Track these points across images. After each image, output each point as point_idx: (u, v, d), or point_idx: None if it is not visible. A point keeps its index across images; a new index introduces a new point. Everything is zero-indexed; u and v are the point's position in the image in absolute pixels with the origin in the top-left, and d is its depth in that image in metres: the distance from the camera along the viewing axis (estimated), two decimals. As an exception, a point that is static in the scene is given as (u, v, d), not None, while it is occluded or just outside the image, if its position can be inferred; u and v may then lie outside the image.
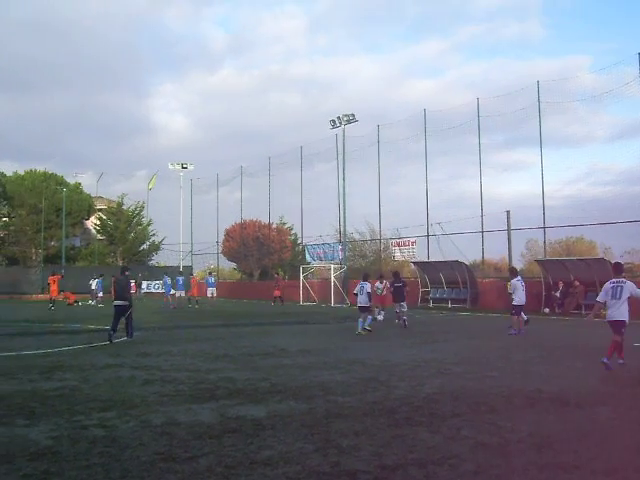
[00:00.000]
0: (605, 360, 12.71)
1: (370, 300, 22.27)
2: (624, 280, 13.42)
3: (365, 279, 23.00)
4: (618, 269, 14.05)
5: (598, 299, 13.62)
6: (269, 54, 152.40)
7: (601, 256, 36.68)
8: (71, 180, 69.94)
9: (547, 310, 32.25)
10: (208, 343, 18.40)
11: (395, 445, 7.11)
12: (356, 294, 22.76)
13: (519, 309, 21.38)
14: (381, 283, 28.37)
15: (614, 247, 44.20)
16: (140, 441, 7.29)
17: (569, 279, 32.32)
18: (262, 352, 15.98)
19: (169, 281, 41.48)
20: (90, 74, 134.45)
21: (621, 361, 13.16)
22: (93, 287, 44.54)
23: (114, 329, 18.67)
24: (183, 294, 40.98)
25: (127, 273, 20.19)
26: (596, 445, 7.13)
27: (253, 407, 9.22)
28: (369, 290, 22.23)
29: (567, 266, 33.35)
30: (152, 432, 7.74)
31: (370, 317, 22.68)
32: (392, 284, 26.58)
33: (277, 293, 44.57)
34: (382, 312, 27.79)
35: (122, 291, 19.50)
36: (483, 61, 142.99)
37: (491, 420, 8.26)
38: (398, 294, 26.01)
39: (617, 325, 13.01)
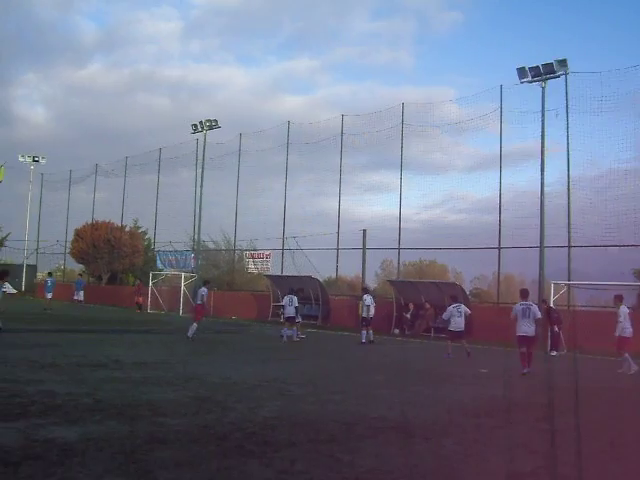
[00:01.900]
0: (525, 371, 16.19)
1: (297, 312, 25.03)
2: (531, 303, 17.15)
3: (291, 292, 25.20)
4: (525, 294, 17.35)
5: (512, 316, 16.78)
6: (140, 54, 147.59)
7: (452, 280, 37.30)
8: None
9: (397, 331, 32.30)
10: (37, 350, 16.91)
11: (219, 480, 6.30)
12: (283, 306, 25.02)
13: (454, 334, 21.25)
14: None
15: (465, 272, 45.49)
16: None
17: (420, 301, 32.52)
18: (94, 363, 14.73)
19: None
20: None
21: (525, 370, 16.23)
22: None
23: None
24: (50, 296, 38.32)
25: None
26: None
27: (67, 428, 8.13)
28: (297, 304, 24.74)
29: (419, 288, 33.62)
30: None
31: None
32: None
33: (140, 300, 43.35)
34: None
35: None
36: (353, 83, 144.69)
37: (330, 452, 7.56)
38: None
39: (530, 340, 16.50)
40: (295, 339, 24.59)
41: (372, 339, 24.56)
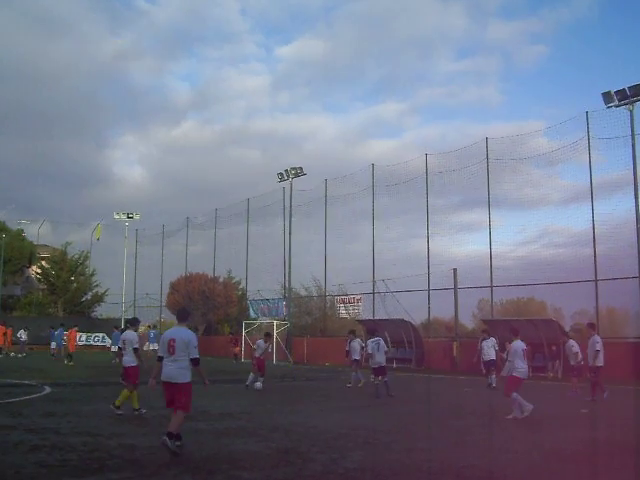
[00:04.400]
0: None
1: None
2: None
3: (373, 333, 21.78)
4: (593, 327, 19.53)
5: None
6: (231, 109, 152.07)
7: (550, 317, 35.93)
8: (14, 227, 67.89)
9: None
10: (127, 402, 16.88)
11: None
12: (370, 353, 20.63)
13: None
14: (265, 342, 23.59)
15: (564, 308, 43.79)
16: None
17: (516, 340, 31.34)
18: (179, 414, 14.57)
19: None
20: (52, 122, 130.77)
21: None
22: (23, 338, 42.58)
23: None
24: (156, 347, 39.22)
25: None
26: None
27: (141, 484, 7.92)
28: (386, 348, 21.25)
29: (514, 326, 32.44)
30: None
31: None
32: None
33: (237, 350, 44.02)
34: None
35: None
36: (441, 123, 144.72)
37: (411, 505, 7.08)
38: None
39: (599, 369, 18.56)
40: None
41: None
